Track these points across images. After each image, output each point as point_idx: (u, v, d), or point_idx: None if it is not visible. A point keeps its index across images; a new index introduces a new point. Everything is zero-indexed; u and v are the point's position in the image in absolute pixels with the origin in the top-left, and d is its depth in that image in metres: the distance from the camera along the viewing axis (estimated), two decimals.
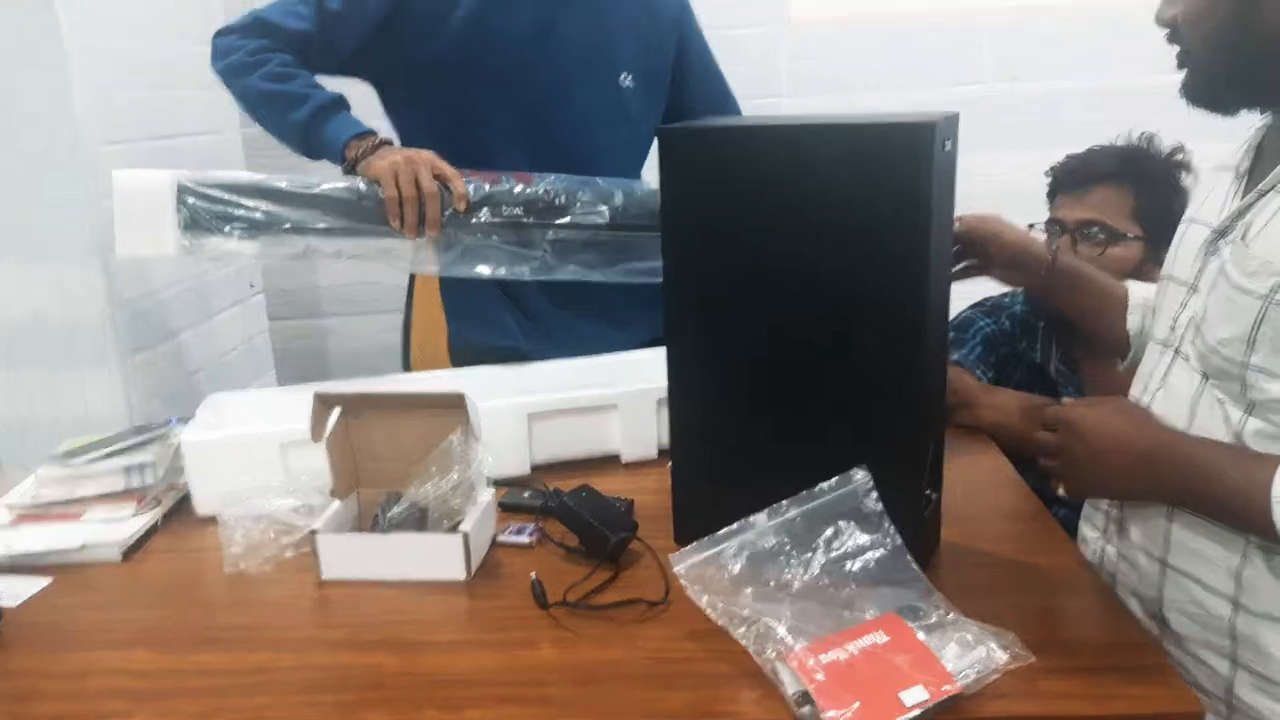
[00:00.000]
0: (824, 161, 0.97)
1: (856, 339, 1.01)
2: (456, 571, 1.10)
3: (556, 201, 1.46)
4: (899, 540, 1.02)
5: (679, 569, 1.00)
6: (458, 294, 1.66)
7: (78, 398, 1.70)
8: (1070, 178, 1.55)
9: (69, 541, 1.20)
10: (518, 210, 1.44)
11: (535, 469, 1.37)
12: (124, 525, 1.24)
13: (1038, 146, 2.08)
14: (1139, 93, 2.40)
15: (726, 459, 1.11)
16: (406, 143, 1.62)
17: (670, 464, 1.22)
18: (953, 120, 1.00)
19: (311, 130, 1.47)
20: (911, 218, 0.95)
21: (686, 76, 1.70)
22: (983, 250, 1.24)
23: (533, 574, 1.08)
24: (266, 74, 1.48)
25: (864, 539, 1.02)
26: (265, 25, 1.52)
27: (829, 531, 1.02)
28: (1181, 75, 0.98)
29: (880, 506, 1.02)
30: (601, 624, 1.02)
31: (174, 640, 1.03)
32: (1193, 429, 0.96)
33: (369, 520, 1.17)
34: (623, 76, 1.60)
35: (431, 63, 1.54)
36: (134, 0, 1.88)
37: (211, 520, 1.22)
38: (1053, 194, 1.59)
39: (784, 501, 1.02)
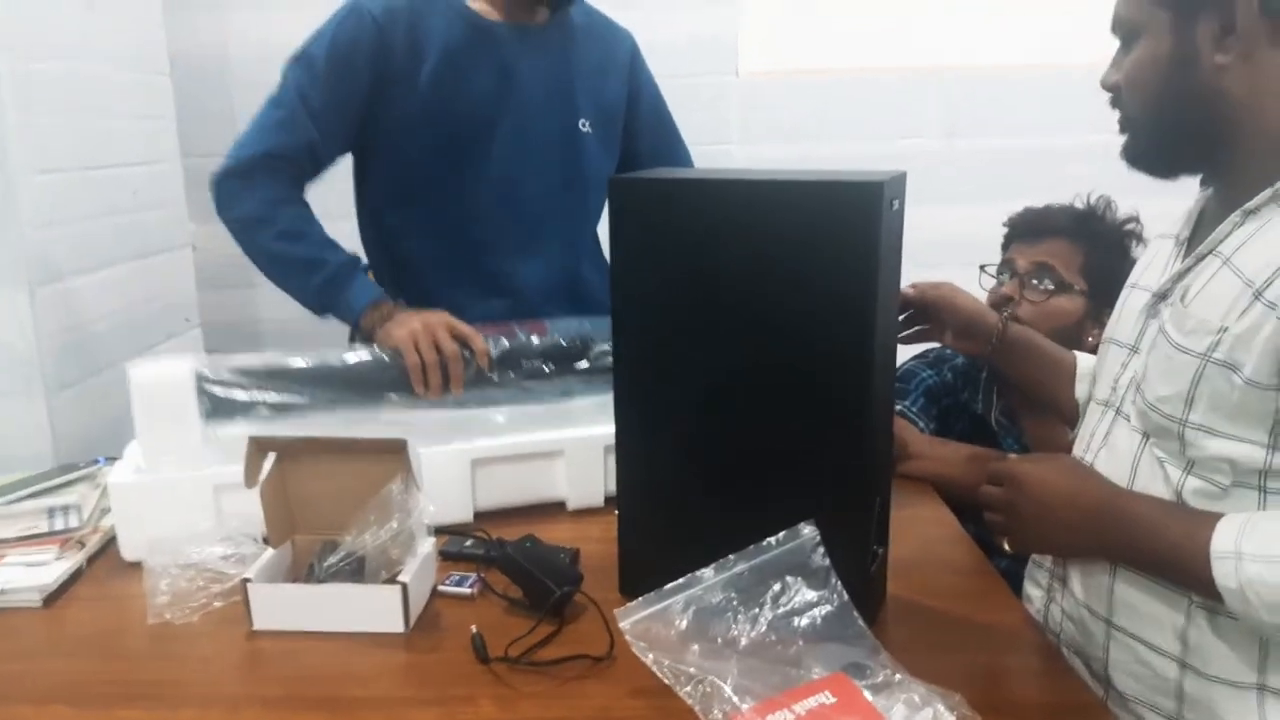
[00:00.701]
0: (775, 217, 0.98)
1: (804, 391, 1.01)
2: (395, 624, 1.07)
3: (573, 349, 1.43)
4: (845, 596, 1.01)
5: (624, 625, 0.98)
6: None
7: None
8: (1026, 227, 1.59)
9: None
10: (537, 361, 1.41)
11: (479, 515, 1.34)
12: (46, 570, 1.19)
13: (978, 200, 2.13)
14: (1080, 151, 2.49)
15: (673, 511, 1.09)
16: (376, 208, 1.62)
17: (616, 514, 1.21)
18: (900, 179, 1.01)
19: (326, 296, 1.47)
20: (860, 274, 0.96)
21: (637, 120, 1.71)
22: (935, 316, 1.25)
23: (473, 627, 1.05)
24: (277, 234, 1.48)
25: (811, 595, 1.01)
26: (267, 159, 1.50)
27: (776, 587, 1.01)
28: (1123, 139, 1.01)
29: (827, 562, 1.01)
30: (544, 680, 0.99)
31: (96, 695, 0.98)
32: (1134, 488, 0.98)
33: (304, 569, 1.13)
34: (581, 122, 1.61)
35: (404, 122, 1.53)
36: (66, 22, 1.83)
37: (139, 565, 1.17)
38: (1007, 243, 1.63)
39: (731, 556, 1.01)
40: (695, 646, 0.97)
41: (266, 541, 1.16)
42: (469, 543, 1.25)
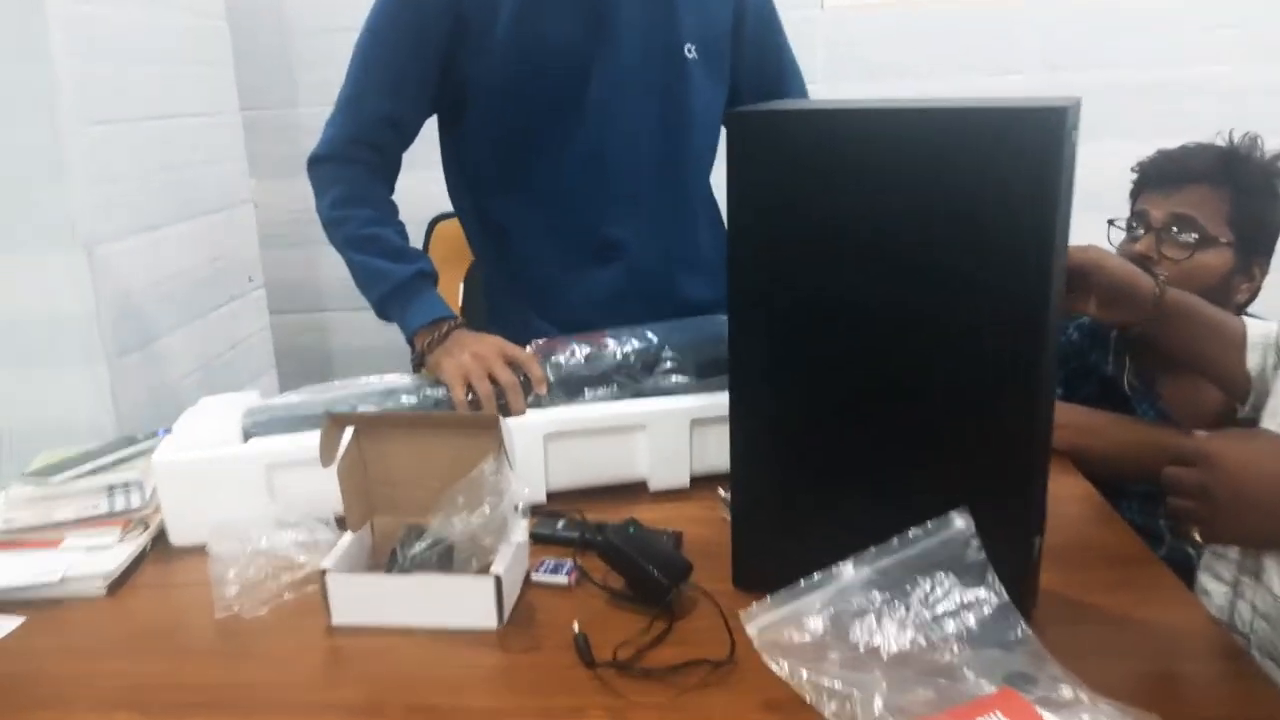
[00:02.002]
0: (934, 152, 0.83)
1: (962, 354, 0.87)
2: (488, 619, 0.96)
3: (638, 366, 1.29)
4: (1004, 595, 0.88)
5: (752, 629, 0.86)
6: (501, 299, 1.54)
7: (58, 403, 1.54)
8: (1160, 173, 1.40)
9: (46, 574, 1.06)
10: (599, 388, 1.28)
11: (551, 496, 1.23)
12: (108, 554, 1.10)
13: (1087, 141, 1.94)
14: (1198, 84, 2.29)
15: (798, 495, 0.96)
16: (463, 166, 1.48)
17: (729, 497, 1.08)
18: (1076, 107, 0.85)
19: (386, 310, 1.39)
20: (1037, 215, 0.81)
21: (747, 45, 1.50)
22: (1081, 283, 1.08)
23: (575, 625, 0.93)
24: (345, 239, 1.40)
25: (965, 594, 0.88)
26: (342, 145, 1.41)
27: (925, 585, 0.88)
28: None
29: (983, 556, 0.88)
30: (659, 689, 0.87)
31: (165, 701, 0.89)
32: None
33: (385, 556, 1.03)
34: (687, 47, 1.42)
35: (486, 73, 1.38)
36: None
37: (202, 549, 1.08)
38: (1137, 191, 1.44)
39: (872, 549, 0.88)
40: (834, 654, 0.85)
41: (340, 525, 1.06)
42: (561, 524, 1.13)
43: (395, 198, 1.47)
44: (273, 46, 2.21)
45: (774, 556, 0.98)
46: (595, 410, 1.22)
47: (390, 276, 1.36)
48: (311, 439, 1.12)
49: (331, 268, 2.29)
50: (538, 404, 1.25)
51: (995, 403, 0.87)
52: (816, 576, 0.88)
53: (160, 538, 1.16)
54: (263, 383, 2.14)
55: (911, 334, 0.88)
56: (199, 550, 1.10)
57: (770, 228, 0.90)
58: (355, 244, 1.39)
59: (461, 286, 2.01)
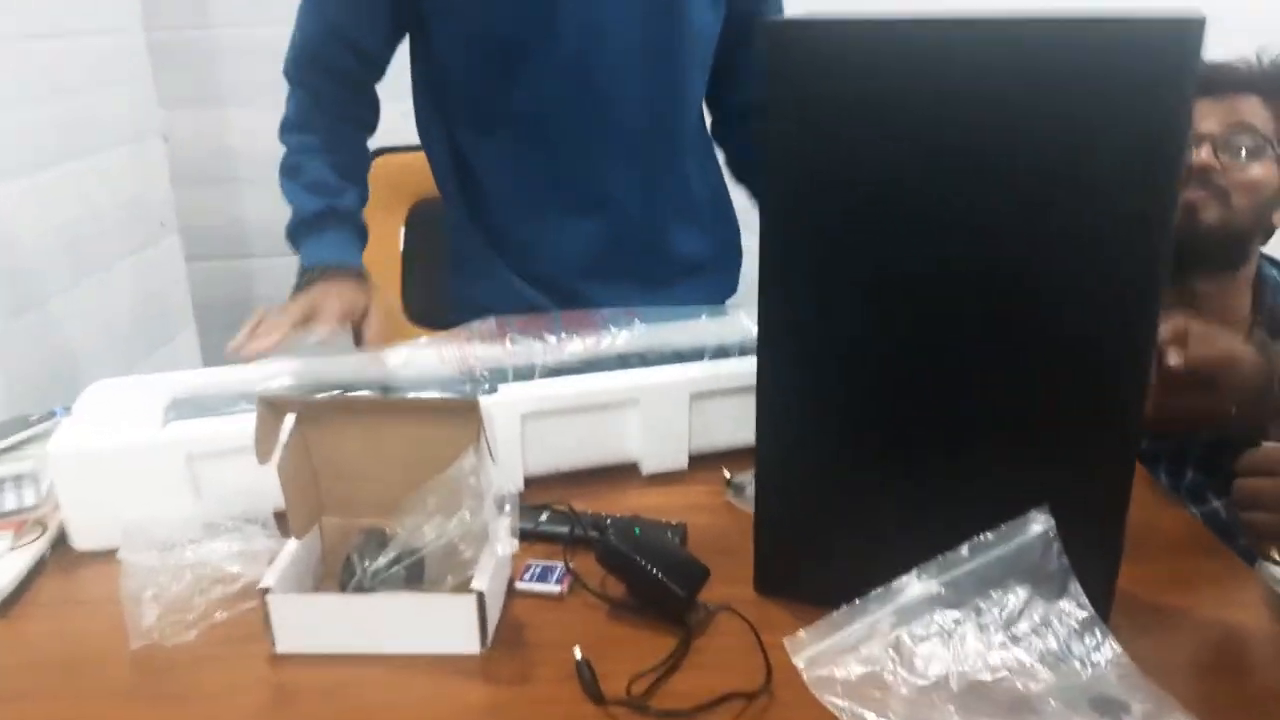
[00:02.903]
0: (1020, 72, 0.66)
1: (1048, 325, 0.72)
2: (468, 643, 0.80)
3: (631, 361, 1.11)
4: (1090, 608, 0.74)
5: (800, 660, 0.71)
6: (469, 250, 1.34)
7: None
8: (1211, 83, 1.26)
9: None
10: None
11: (529, 482, 1.06)
12: None
13: None
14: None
15: (837, 484, 0.81)
16: (433, 92, 1.30)
17: (735, 480, 0.93)
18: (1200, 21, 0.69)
19: (294, 246, 1.26)
20: (1156, 150, 0.65)
21: None
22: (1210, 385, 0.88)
23: (576, 650, 0.78)
24: (280, 166, 1.27)
25: (1044, 609, 0.74)
26: (309, 63, 1.26)
27: (999, 600, 0.74)
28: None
29: (1066, 563, 0.74)
30: None
31: None
32: None
33: (336, 564, 0.85)
34: None
35: None
36: None
37: (109, 553, 0.89)
38: None
39: (940, 558, 0.74)
40: (901, 688, 0.70)
41: (281, 527, 0.88)
42: (545, 517, 0.97)
43: None
44: None
45: (806, 557, 0.84)
46: (581, 384, 1.04)
47: (298, 210, 1.23)
48: (244, 423, 0.94)
49: (256, 208, 2.06)
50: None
51: (1087, 380, 0.72)
52: (874, 594, 0.73)
53: (61, 541, 0.96)
54: (180, 343, 1.91)
55: (987, 294, 0.72)
56: (110, 556, 0.91)
57: (814, 163, 0.73)
58: (283, 172, 1.26)
59: (403, 231, 1.81)
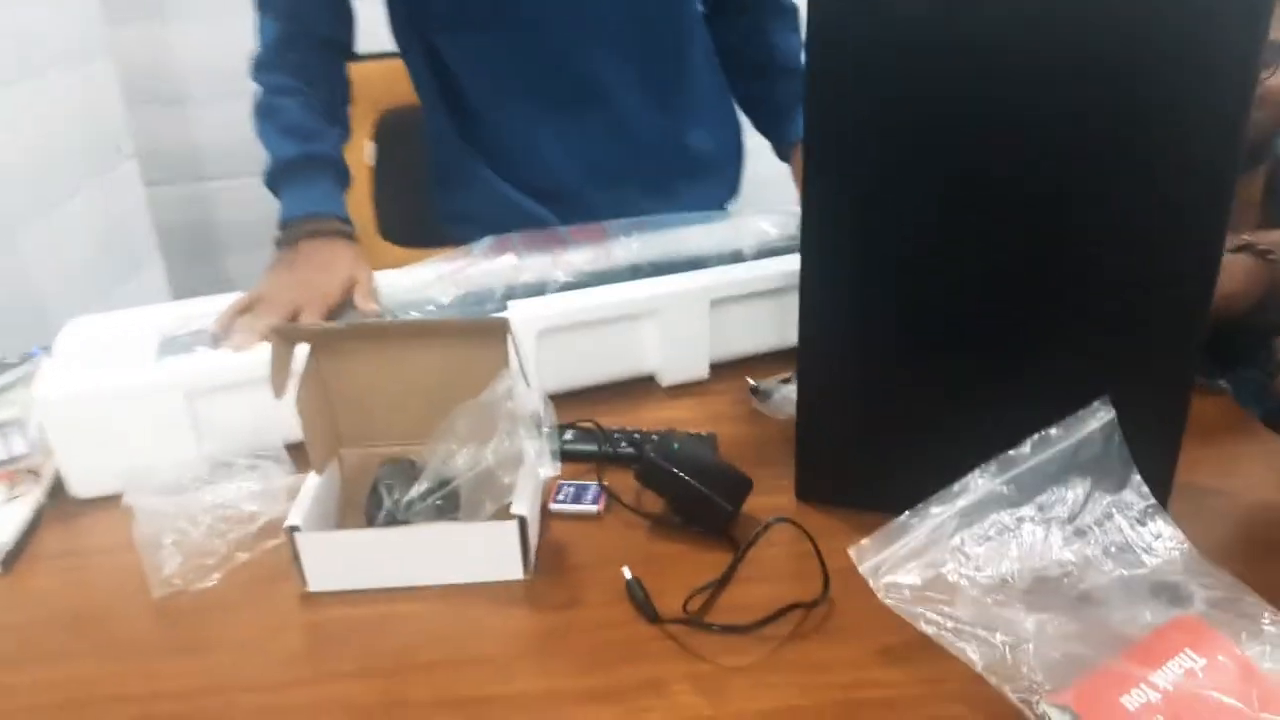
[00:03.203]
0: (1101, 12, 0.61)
1: (1111, 215, 0.68)
2: (511, 569, 0.77)
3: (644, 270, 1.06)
4: (1151, 498, 0.73)
5: (866, 568, 0.68)
6: (453, 160, 1.27)
7: None
8: None
9: None
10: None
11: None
12: None
13: None
14: None
15: (881, 382, 0.78)
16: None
17: (796, 392, 0.90)
18: None
19: (274, 192, 1.16)
20: (1230, 73, 0.61)
21: None
22: None
23: (626, 570, 0.75)
24: (255, 107, 1.17)
25: (1106, 500, 0.72)
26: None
27: (1058, 493, 0.72)
28: None
29: (1127, 454, 0.72)
30: (746, 644, 0.70)
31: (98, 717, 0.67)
32: None
33: (358, 495, 0.81)
34: None
35: None
36: None
37: (111, 500, 0.85)
38: None
39: (1002, 456, 0.71)
40: (968, 588, 0.68)
41: (294, 459, 0.84)
42: (570, 435, 0.93)
43: None
44: None
45: (853, 462, 0.81)
46: (597, 297, 0.99)
47: (275, 157, 1.14)
48: (243, 356, 0.89)
49: (211, 128, 1.95)
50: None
51: (1152, 270, 0.69)
52: (936, 496, 0.70)
53: (58, 490, 0.91)
54: (146, 275, 1.82)
55: (1050, 191, 0.68)
56: (112, 503, 0.87)
57: (870, 50, 0.68)
58: (257, 113, 1.16)
59: (371, 146, 1.72)
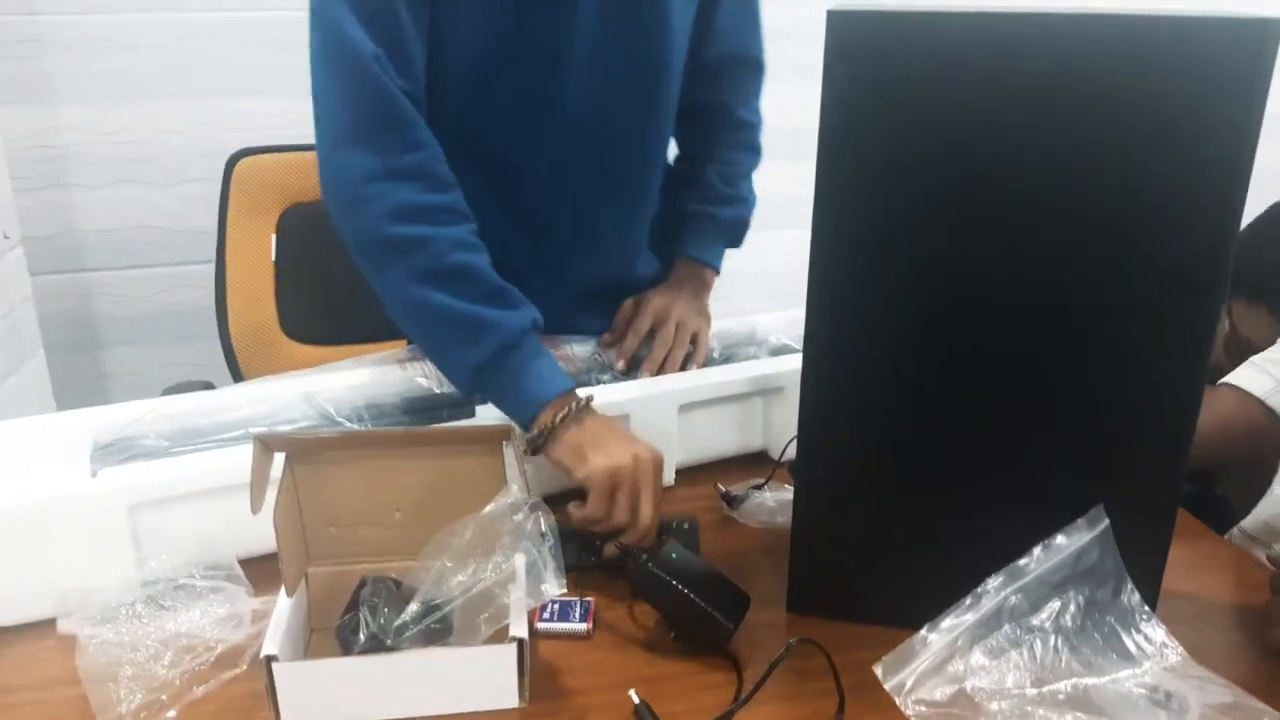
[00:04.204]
0: (1088, 69, 0.65)
1: (1109, 329, 0.71)
2: (505, 697, 0.72)
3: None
4: (1144, 607, 0.75)
5: (891, 685, 0.67)
6: None
7: None
8: None
9: None
10: None
11: None
12: None
13: None
14: None
15: (884, 501, 0.78)
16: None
17: (767, 498, 0.90)
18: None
19: (488, 375, 0.90)
20: (1229, 154, 0.65)
21: None
22: None
23: (633, 694, 0.72)
24: (427, 270, 0.89)
25: (1102, 608, 0.74)
26: (377, 111, 0.90)
27: (1062, 602, 0.73)
28: None
29: (1120, 564, 0.74)
30: None
31: None
32: None
33: (325, 618, 0.75)
34: None
35: None
36: None
37: (32, 629, 0.77)
38: None
39: (1010, 566, 0.72)
40: (986, 701, 0.68)
41: (250, 577, 0.78)
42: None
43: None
44: None
45: (852, 574, 0.81)
46: None
47: (499, 329, 0.89)
48: (189, 466, 0.83)
49: (88, 216, 1.84)
50: None
51: (1143, 389, 0.72)
52: (950, 610, 0.70)
53: None
54: (29, 368, 1.68)
55: (1045, 294, 0.71)
56: (37, 631, 0.78)
57: (869, 158, 0.69)
58: (437, 279, 0.89)
59: (274, 240, 1.65)
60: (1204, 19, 0.63)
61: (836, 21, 0.67)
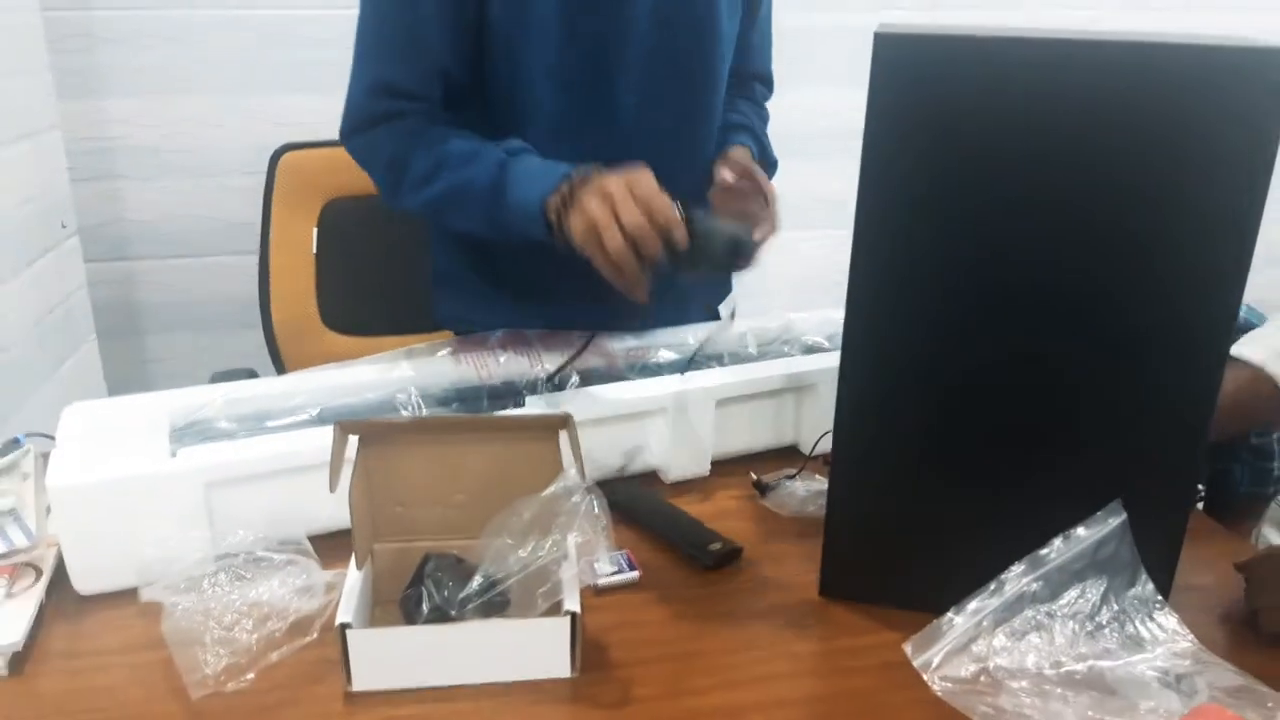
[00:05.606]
0: (1119, 93, 0.70)
1: (1130, 332, 0.76)
2: (558, 667, 0.77)
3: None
4: (1159, 596, 0.79)
5: (919, 662, 0.73)
6: (454, 267, 1.26)
7: None
8: None
9: None
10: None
11: None
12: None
13: None
14: None
15: (915, 490, 0.83)
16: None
17: (762, 481, 0.95)
18: None
19: (501, 218, 1.03)
20: (1242, 179, 0.70)
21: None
22: None
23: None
24: (421, 195, 1.08)
25: (1118, 596, 0.79)
26: (382, 103, 1.08)
27: (1080, 590, 0.78)
28: None
29: (1136, 554, 0.79)
30: None
31: None
32: None
33: (389, 590, 0.81)
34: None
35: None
36: None
37: (116, 596, 0.83)
38: None
39: (1032, 555, 0.77)
40: (1008, 680, 0.73)
41: (320, 551, 0.83)
42: None
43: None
44: None
45: (882, 560, 0.86)
46: (607, 394, 1.02)
47: (476, 182, 1.04)
48: (262, 447, 0.89)
49: (137, 206, 1.91)
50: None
51: (1164, 387, 0.77)
52: (975, 594, 0.75)
53: (56, 585, 0.87)
54: (83, 352, 1.75)
55: (1071, 304, 0.76)
56: (117, 599, 0.84)
57: (912, 175, 0.74)
58: (424, 185, 1.07)
59: (315, 231, 1.71)
60: (1228, 48, 0.68)
61: (883, 44, 0.72)
